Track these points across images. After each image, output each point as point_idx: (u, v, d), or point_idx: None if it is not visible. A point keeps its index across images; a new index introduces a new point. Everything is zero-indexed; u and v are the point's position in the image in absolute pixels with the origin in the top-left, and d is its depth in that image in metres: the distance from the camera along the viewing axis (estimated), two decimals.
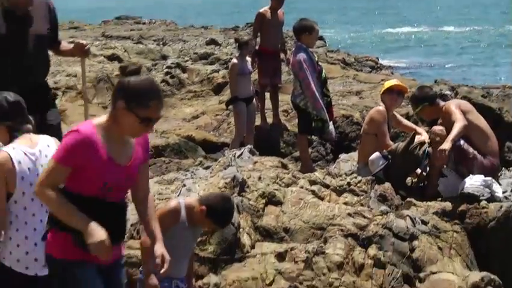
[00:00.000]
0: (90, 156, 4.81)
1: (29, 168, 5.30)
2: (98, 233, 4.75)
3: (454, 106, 9.20)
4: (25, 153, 5.32)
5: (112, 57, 19.70)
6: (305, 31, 11.41)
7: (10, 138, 5.44)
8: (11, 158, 5.25)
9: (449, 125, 9.08)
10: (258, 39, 14.20)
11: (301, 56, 11.17)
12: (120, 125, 4.91)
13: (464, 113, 9.17)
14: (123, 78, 4.96)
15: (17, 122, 5.47)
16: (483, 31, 53.00)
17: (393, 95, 9.80)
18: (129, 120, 4.85)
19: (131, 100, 4.83)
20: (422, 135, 9.63)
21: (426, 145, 9.35)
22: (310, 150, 12.87)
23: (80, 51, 7.47)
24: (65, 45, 7.72)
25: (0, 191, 5.25)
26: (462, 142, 9.11)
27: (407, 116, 12.63)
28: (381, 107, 9.71)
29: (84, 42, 7.39)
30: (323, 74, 11.57)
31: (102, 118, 4.97)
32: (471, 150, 9.09)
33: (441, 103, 9.45)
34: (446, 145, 8.79)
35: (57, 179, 4.80)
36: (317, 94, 11.10)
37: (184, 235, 6.10)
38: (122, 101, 4.84)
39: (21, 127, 5.47)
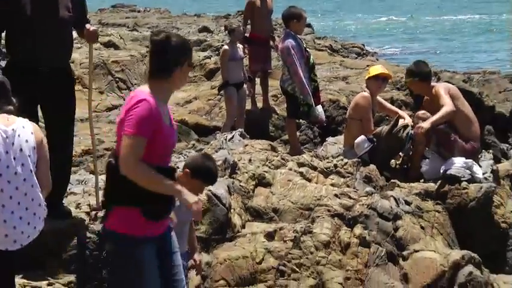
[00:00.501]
0: (158, 123, 4.87)
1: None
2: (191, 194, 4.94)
3: (443, 90, 9.16)
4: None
5: (108, 44, 19.57)
6: (293, 18, 11.39)
7: None
8: None
9: (435, 106, 9.08)
10: (249, 27, 14.16)
11: (290, 42, 11.15)
12: (176, 85, 5.12)
13: (452, 98, 9.14)
14: (166, 42, 4.99)
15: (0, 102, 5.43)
16: (465, 20, 52.94)
17: (378, 81, 9.78)
18: (186, 74, 5.14)
19: (190, 57, 5.09)
20: (405, 119, 9.61)
21: (409, 128, 9.34)
22: (298, 133, 12.85)
23: (89, 37, 7.33)
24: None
25: None
26: (443, 126, 9.12)
27: (391, 101, 12.64)
28: (366, 93, 9.69)
29: (91, 28, 7.23)
30: (311, 60, 11.53)
31: (146, 86, 5.01)
32: (452, 133, 9.09)
33: (433, 84, 9.42)
34: (426, 124, 8.85)
35: (140, 152, 4.80)
36: (304, 80, 11.08)
37: (175, 209, 6.04)
38: (186, 61, 5.03)
39: (2, 107, 5.39)
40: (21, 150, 5.31)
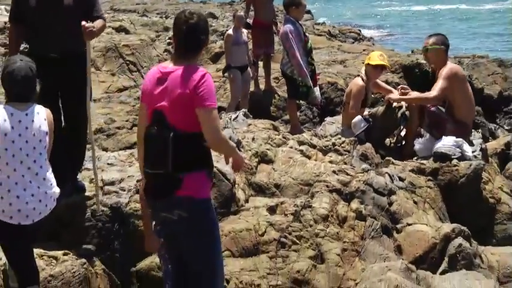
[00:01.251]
0: None
1: (12, 127, 5.33)
2: None
3: (448, 74, 9.08)
4: (12, 114, 5.35)
5: (120, 29, 19.55)
6: (293, 5, 11.38)
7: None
8: None
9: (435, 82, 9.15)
10: (253, 13, 14.11)
11: (288, 27, 11.15)
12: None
13: (460, 81, 9.19)
14: (200, 23, 5.10)
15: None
16: (454, 9, 52.60)
17: (377, 70, 9.79)
18: None
19: None
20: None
21: (403, 108, 9.33)
22: (298, 113, 12.84)
23: (85, 35, 6.92)
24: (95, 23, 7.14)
25: None
26: (434, 108, 9.12)
27: (386, 82, 12.56)
28: (361, 82, 9.67)
29: (87, 25, 6.80)
30: (309, 44, 11.51)
31: (180, 63, 5.06)
32: (444, 115, 9.09)
33: (448, 60, 9.38)
34: (395, 96, 9.40)
35: None
36: (302, 62, 11.07)
37: None
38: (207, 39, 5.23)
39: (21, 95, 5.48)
40: (34, 135, 5.40)
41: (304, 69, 11.13)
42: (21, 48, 7.23)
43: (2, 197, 5.34)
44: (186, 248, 5.18)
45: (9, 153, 5.32)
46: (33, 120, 5.43)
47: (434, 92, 8.99)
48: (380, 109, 9.64)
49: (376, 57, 9.82)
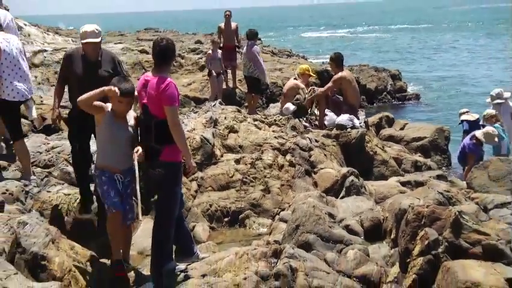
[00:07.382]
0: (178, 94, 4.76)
1: (6, 46, 5.95)
2: None
3: (335, 78, 9.08)
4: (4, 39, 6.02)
5: (143, 51, 19.26)
6: (257, 37, 11.60)
7: None
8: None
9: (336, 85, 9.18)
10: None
11: (257, 48, 11.24)
12: (169, 71, 4.96)
13: (350, 80, 9.11)
14: (167, 45, 4.80)
15: None
16: (364, 36, 52.27)
17: (306, 77, 9.83)
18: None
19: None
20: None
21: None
22: (252, 102, 12.78)
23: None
24: None
25: None
26: (335, 97, 9.15)
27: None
28: (298, 82, 9.68)
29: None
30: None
31: (155, 73, 4.76)
32: (341, 102, 9.13)
33: (343, 70, 9.26)
34: (320, 90, 9.39)
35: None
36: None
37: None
38: (174, 56, 4.98)
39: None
40: (17, 48, 6.04)
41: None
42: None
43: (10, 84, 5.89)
44: (159, 189, 4.98)
45: (7, 61, 5.91)
46: (13, 43, 6.03)
47: (325, 87, 9.28)
48: (301, 98, 9.57)
49: (308, 69, 9.98)
